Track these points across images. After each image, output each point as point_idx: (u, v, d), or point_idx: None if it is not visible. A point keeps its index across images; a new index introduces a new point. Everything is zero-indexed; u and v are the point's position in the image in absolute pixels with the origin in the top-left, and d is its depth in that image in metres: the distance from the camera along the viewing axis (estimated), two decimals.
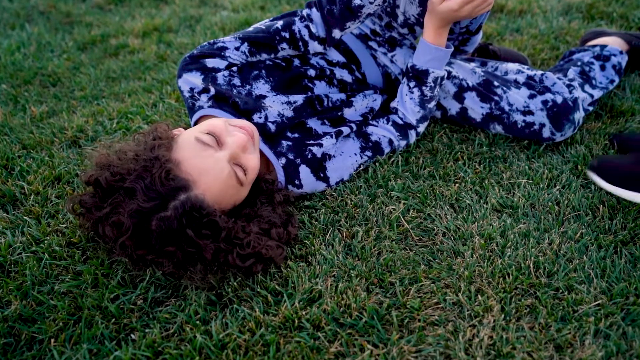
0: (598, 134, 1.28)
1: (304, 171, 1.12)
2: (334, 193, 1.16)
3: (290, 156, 1.13)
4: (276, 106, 1.16)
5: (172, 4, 2.16)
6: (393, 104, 1.26)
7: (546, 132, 1.24)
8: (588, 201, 1.09)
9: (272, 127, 1.15)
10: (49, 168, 1.25)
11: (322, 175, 1.14)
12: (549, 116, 1.23)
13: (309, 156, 1.13)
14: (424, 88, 1.20)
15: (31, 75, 1.66)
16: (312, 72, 1.23)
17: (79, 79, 1.65)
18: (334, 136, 1.17)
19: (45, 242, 1.05)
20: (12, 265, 1.01)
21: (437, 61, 1.19)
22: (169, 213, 0.89)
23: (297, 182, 1.12)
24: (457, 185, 1.16)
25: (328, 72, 1.25)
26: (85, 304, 0.92)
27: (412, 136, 1.26)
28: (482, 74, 1.31)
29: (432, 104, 1.23)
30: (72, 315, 0.91)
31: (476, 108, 1.29)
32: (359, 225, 1.07)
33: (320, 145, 1.15)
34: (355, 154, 1.19)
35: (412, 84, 1.21)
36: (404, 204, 1.11)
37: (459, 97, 1.31)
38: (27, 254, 1.02)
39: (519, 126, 1.26)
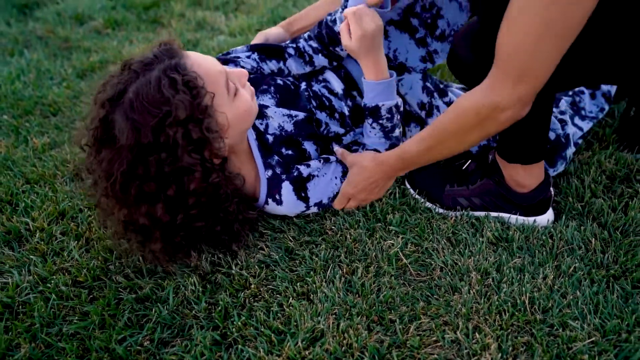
0: (589, 164, 1.31)
1: (286, 188, 1.16)
2: (333, 227, 1.19)
3: (278, 170, 1.17)
4: (277, 118, 1.22)
5: (169, 27, 2.18)
6: (362, 140, 1.29)
7: None
8: (581, 234, 1.13)
9: (270, 139, 1.20)
10: (52, 203, 1.27)
11: (302, 195, 1.17)
12: None
13: (295, 174, 1.17)
14: (381, 121, 1.23)
15: (32, 104, 1.68)
16: (314, 103, 1.27)
17: (79, 108, 1.67)
18: (322, 161, 1.21)
19: (52, 281, 1.07)
20: (20, 306, 1.03)
21: (383, 94, 1.22)
22: (154, 73, 0.94)
23: (277, 197, 1.16)
24: (453, 218, 1.19)
25: (327, 104, 1.29)
26: (93, 346, 0.94)
27: None
28: None
29: (396, 132, 1.26)
30: (80, 357, 0.93)
31: None
32: (358, 261, 1.10)
33: (308, 165, 1.19)
34: (336, 178, 1.22)
35: (370, 121, 1.24)
36: (402, 238, 1.14)
37: None
38: (35, 295, 1.04)
39: None
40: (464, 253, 1.10)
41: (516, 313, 0.97)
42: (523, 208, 1.16)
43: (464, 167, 1.27)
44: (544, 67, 0.86)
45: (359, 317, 0.97)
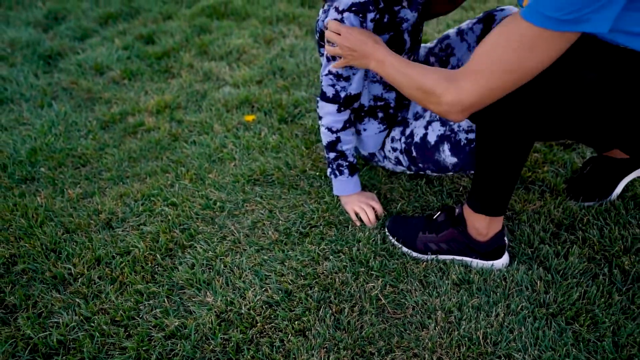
0: (539, 214, 1.56)
1: None
2: (325, 271, 1.43)
3: None
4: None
5: (179, 78, 2.43)
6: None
7: None
8: (529, 277, 1.37)
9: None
10: (89, 251, 1.51)
11: None
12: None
13: None
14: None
15: (64, 156, 1.93)
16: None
17: (105, 160, 1.91)
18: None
19: (95, 320, 1.31)
20: (71, 343, 1.27)
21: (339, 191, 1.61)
22: None
23: None
24: (424, 263, 1.43)
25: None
26: None
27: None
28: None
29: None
30: None
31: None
32: (345, 302, 1.34)
33: None
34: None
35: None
36: (381, 280, 1.38)
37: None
38: (82, 333, 1.28)
39: (462, 144, 1.47)
40: (432, 294, 1.34)
41: (472, 346, 1.21)
42: (482, 254, 1.40)
43: (434, 217, 1.51)
44: (492, 94, 1.08)
45: (345, 351, 1.21)
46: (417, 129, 1.57)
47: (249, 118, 2.10)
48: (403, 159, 1.64)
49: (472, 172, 1.52)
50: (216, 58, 2.58)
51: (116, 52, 2.64)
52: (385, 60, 1.30)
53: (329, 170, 1.63)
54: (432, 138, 1.52)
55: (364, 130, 1.66)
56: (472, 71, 1.08)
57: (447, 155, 1.50)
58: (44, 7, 3.20)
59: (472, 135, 1.46)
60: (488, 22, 1.57)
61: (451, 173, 1.57)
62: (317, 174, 1.79)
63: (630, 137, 1.16)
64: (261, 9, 3.03)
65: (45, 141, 2.00)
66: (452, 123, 1.49)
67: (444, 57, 1.67)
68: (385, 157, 1.71)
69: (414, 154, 1.58)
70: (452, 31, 1.68)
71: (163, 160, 1.90)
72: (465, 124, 1.47)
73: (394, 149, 1.65)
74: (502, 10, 1.54)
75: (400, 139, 1.63)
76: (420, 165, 1.59)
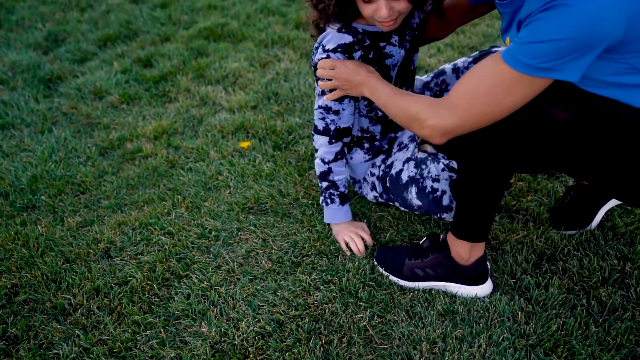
0: (522, 244, 1.62)
1: None
2: (315, 301, 1.48)
3: None
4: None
5: (176, 102, 2.49)
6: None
7: (446, 200, 1.55)
8: (510, 308, 1.42)
9: None
10: (89, 281, 1.57)
11: None
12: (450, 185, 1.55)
13: None
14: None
15: (63, 184, 1.98)
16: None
17: (104, 187, 1.97)
18: None
19: (94, 351, 1.37)
20: None
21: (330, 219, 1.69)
22: None
23: None
24: (411, 294, 1.49)
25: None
26: None
27: None
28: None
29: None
30: None
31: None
32: (335, 332, 1.39)
33: None
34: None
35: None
36: (369, 311, 1.44)
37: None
38: None
39: (427, 190, 1.56)
40: (418, 324, 1.40)
41: None
42: (465, 278, 1.46)
43: (420, 243, 1.57)
44: (470, 123, 1.17)
45: None
46: (397, 162, 1.66)
47: (244, 144, 2.16)
48: (378, 185, 1.73)
49: (438, 215, 1.59)
50: (212, 82, 2.64)
51: (115, 75, 2.70)
52: (377, 87, 1.42)
53: (321, 198, 1.69)
54: (404, 176, 1.60)
55: (351, 158, 1.74)
56: (454, 103, 1.17)
57: (413, 197, 1.58)
58: (44, 29, 3.26)
59: (437, 185, 1.55)
60: None
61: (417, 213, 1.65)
62: (310, 202, 1.85)
63: (597, 175, 1.23)
64: (257, 31, 3.10)
65: (46, 168, 2.06)
66: (423, 167, 1.59)
67: (439, 91, 1.76)
68: (364, 179, 1.78)
69: (388, 184, 1.67)
70: (448, 67, 1.75)
71: (160, 187, 1.96)
72: (434, 171, 1.56)
73: (373, 174, 1.74)
74: (496, 50, 1.61)
75: (380, 166, 1.72)
76: (391, 196, 1.69)
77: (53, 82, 2.71)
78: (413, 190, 1.57)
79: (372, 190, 1.77)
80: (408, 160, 1.62)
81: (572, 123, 1.17)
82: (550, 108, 1.19)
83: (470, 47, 2.86)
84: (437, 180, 1.55)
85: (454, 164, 1.57)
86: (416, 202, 1.58)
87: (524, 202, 1.78)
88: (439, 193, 1.54)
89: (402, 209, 1.69)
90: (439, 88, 1.76)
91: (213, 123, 2.30)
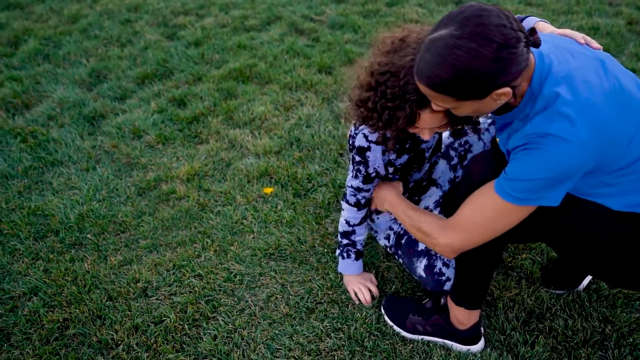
0: (514, 301, 1.79)
1: None
2: (326, 348, 1.68)
3: None
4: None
5: (207, 144, 2.73)
6: None
7: (447, 286, 1.71)
8: None
9: None
10: (129, 319, 1.80)
11: None
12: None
13: None
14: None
15: (107, 223, 2.23)
16: None
17: (142, 228, 2.21)
18: None
19: None
20: None
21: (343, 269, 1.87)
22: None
23: None
24: (411, 345, 1.68)
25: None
26: None
27: None
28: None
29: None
30: None
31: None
32: None
33: None
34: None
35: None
36: None
37: None
38: None
39: (435, 270, 1.72)
40: None
41: None
42: (461, 340, 1.65)
43: (423, 302, 1.76)
44: (474, 242, 1.36)
45: None
46: None
47: (268, 190, 2.38)
48: (392, 238, 1.90)
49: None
50: (240, 125, 2.87)
51: (152, 115, 2.95)
52: (398, 204, 1.64)
53: (337, 251, 1.89)
54: (422, 245, 1.77)
55: (377, 218, 1.92)
56: (461, 225, 1.37)
57: (420, 268, 1.75)
58: (88, 65, 3.55)
59: (445, 269, 1.71)
60: None
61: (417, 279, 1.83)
62: (325, 250, 2.05)
63: (578, 259, 1.41)
64: (282, 74, 3.32)
65: (91, 207, 2.31)
66: None
67: (463, 152, 1.89)
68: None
69: (402, 242, 1.83)
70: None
71: (191, 230, 2.19)
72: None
73: (391, 228, 1.91)
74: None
75: (401, 224, 1.88)
76: (399, 253, 1.85)
77: (96, 120, 2.97)
78: (423, 262, 1.74)
79: (385, 239, 1.95)
80: None
81: (558, 210, 1.35)
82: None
83: None
84: (447, 266, 1.71)
85: None
86: (420, 273, 1.75)
87: (519, 260, 1.96)
88: (444, 278, 1.70)
89: (405, 268, 1.87)
90: (462, 148, 1.89)
91: (240, 167, 2.53)
